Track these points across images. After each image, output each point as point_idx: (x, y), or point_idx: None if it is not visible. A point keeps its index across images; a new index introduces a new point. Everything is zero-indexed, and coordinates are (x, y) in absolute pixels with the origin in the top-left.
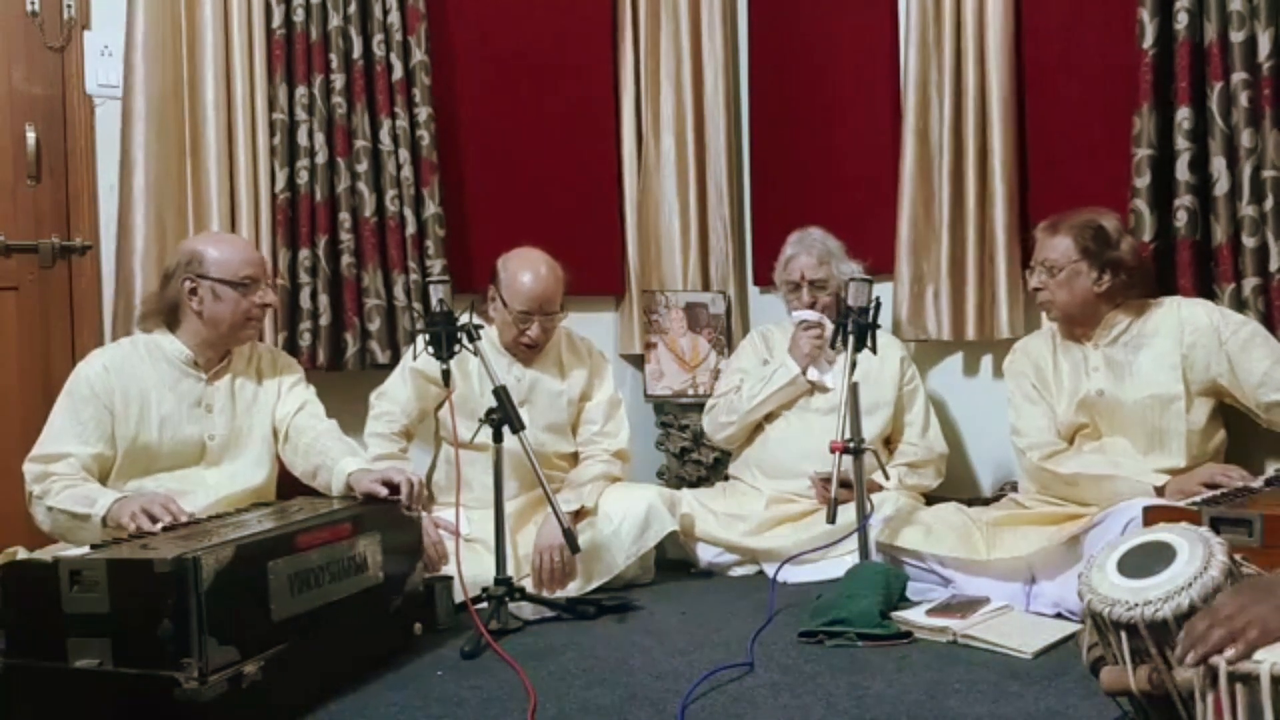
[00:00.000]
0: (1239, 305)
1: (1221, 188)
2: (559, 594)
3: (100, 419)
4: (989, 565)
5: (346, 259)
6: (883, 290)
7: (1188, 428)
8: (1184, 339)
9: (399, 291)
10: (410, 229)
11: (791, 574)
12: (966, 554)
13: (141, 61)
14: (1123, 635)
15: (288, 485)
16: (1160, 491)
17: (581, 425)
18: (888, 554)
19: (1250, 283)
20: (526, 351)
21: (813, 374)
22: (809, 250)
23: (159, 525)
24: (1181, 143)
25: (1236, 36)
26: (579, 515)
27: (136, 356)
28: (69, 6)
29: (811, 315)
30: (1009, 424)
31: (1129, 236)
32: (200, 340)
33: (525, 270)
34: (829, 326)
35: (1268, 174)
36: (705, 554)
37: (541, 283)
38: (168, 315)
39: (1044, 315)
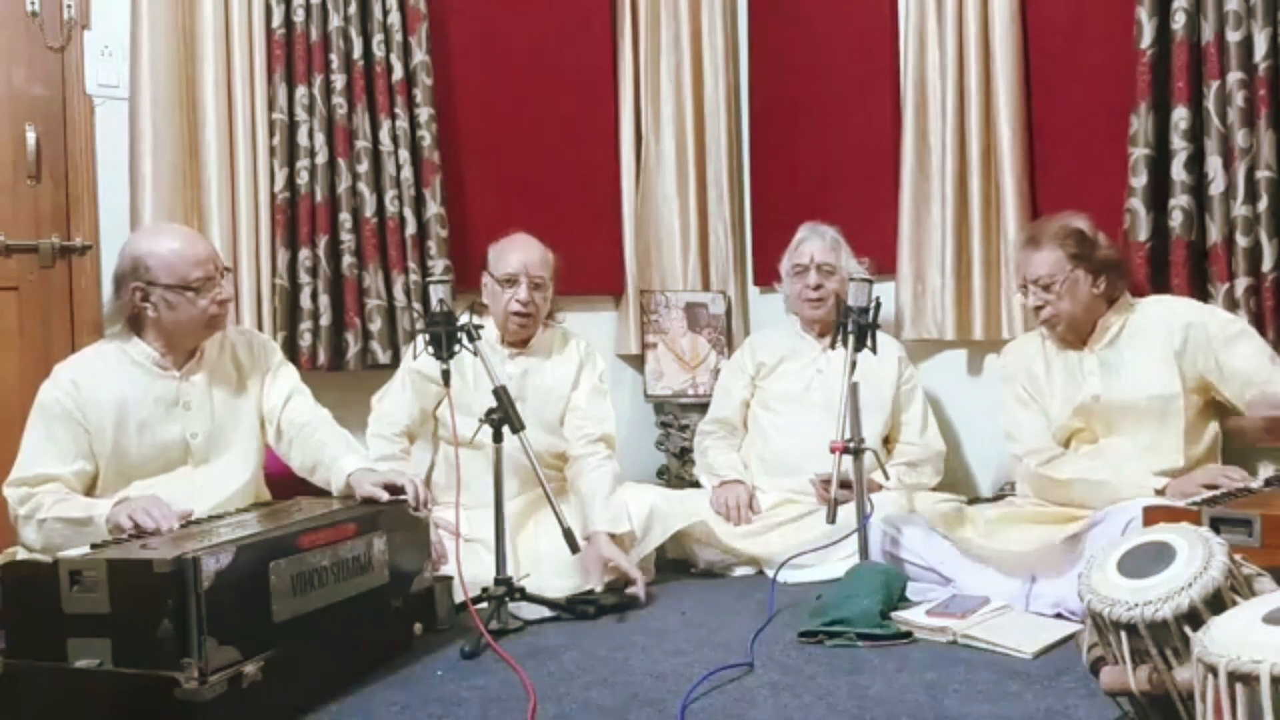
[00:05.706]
0: (1232, 305)
1: (1217, 187)
2: (636, 589)
3: (76, 435)
4: (989, 559)
5: (348, 259)
6: (884, 290)
7: (1185, 427)
8: (1175, 337)
9: (398, 291)
10: (410, 229)
11: (791, 574)
12: (964, 532)
13: (148, 60)
14: (1123, 635)
15: (289, 483)
16: (1160, 493)
17: (568, 411)
18: (887, 553)
19: (1243, 282)
20: (519, 329)
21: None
22: (821, 236)
23: (153, 528)
24: (1178, 142)
25: (1233, 36)
26: (619, 540)
27: (104, 365)
28: (69, 6)
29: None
30: (1002, 429)
31: (1101, 233)
32: (166, 342)
33: (509, 241)
34: None
35: (1262, 174)
36: (705, 554)
37: (524, 246)
38: (130, 321)
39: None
